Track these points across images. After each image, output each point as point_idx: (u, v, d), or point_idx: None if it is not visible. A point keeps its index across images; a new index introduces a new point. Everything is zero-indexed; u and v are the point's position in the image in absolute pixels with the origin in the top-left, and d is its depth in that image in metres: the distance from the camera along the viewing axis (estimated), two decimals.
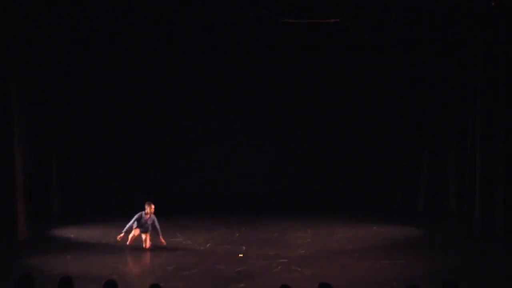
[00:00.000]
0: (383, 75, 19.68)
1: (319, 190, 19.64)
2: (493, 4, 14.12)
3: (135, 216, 14.03)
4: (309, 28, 16.32)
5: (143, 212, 14.06)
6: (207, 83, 19.79)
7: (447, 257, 13.00)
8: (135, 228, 14.03)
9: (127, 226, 13.99)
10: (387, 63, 19.48)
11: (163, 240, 14.02)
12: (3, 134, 14.87)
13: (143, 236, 14.11)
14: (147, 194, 19.24)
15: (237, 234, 15.73)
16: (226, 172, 19.58)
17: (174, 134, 19.76)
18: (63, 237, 15.52)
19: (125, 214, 18.32)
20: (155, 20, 16.72)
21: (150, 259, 12.91)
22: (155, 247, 14.01)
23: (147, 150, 19.71)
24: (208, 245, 14.48)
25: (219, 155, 19.51)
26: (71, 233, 15.95)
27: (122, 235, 13.98)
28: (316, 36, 17.66)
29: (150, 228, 14.05)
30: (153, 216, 14.02)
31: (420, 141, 19.07)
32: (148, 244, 14.07)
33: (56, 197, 18.92)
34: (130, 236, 14.08)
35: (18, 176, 14.96)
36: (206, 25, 17.06)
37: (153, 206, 14.08)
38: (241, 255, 13.26)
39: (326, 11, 15.41)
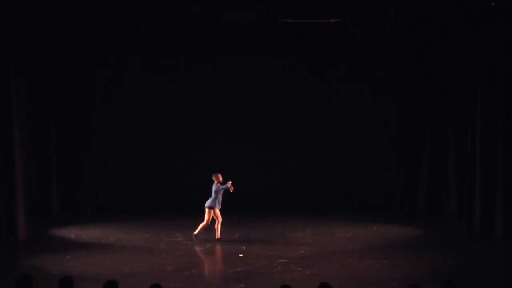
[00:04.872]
0: (383, 75, 19.69)
1: (319, 190, 19.65)
2: (493, 4, 14.11)
3: (218, 189, 14.53)
4: (309, 28, 16.32)
5: (215, 184, 14.57)
6: (206, 83, 19.81)
7: (447, 257, 12.98)
8: (214, 208, 14.54)
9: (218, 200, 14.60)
10: (387, 63, 19.49)
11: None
12: (3, 134, 14.86)
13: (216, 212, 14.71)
14: (145, 195, 19.53)
15: (237, 234, 15.73)
16: (226, 172, 19.54)
17: (174, 134, 19.77)
18: (63, 237, 15.52)
19: (125, 214, 18.49)
20: (155, 20, 16.73)
21: (150, 259, 12.90)
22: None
23: (147, 150, 19.72)
24: (208, 245, 14.48)
25: (219, 154, 19.49)
26: (71, 233, 15.95)
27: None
28: (316, 36, 17.67)
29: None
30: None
31: (420, 141, 19.07)
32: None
33: (56, 197, 18.92)
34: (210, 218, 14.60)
35: (18, 176, 14.95)
36: (206, 25, 17.07)
37: (220, 175, 14.66)
38: (241, 255, 13.25)
39: (326, 11, 15.41)
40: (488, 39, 14.59)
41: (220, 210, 14.66)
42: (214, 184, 14.56)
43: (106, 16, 16.39)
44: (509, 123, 14.59)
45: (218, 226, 14.69)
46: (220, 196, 14.56)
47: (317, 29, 16.20)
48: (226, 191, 14.57)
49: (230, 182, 14.50)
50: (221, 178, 14.61)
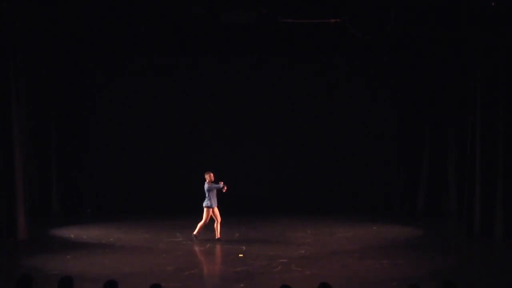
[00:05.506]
0: (383, 75, 19.68)
1: (319, 190, 19.65)
2: (493, 4, 14.11)
3: (210, 188, 14.51)
4: (309, 28, 16.32)
5: (207, 182, 14.57)
6: (206, 83, 19.81)
7: (447, 257, 12.99)
8: (212, 207, 14.54)
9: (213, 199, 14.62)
10: (387, 63, 19.48)
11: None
12: (3, 134, 14.86)
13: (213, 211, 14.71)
14: (144, 195, 19.54)
15: (237, 234, 15.74)
16: (226, 172, 19.54)
17: (174, 134, 19.78)
18: (63, 237, 15.52)
19: (125, 214, 18.50)
20: (155, 20, 16.73)
21: (150, 259, 12.90)
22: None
23: (147, 150, 19.72)
24: (208, 245, 14.48)
25: (219, 154, 19.50)
26: (71, 233, 15.95)
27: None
28: (316, 36, 17.67)
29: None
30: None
31: (420, 141, 19.06)
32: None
33: (56, 197, 18.93)
34: (207, 217, 14.61)
35: (18, 176, 14.96)
36: (206, 25, 17.07)
37: (212, 174, 14.64)
38: (241, 255, 13.25)
39: (326, 11, 15.41)
40: (488, 39, 14.59)
41: (218, 209, 14.66)
42: (206, 182, 14.58)
43: (106, 16, 16.38)
44: (509, 123, 14.59)
45: (217, 226, 14.70)
46: (213, 195, 14.56)
47: (317, 29, 16.20)
48: (219, 190, 14.59)
49: (221, 182, 14.51)
50: (212, 177, 14.61)
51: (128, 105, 19.69)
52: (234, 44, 18.74)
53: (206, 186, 14.56)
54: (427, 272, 11.63)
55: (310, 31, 16.90)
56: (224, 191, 14.57)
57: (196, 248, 14.27)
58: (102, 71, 19.52)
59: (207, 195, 14.54)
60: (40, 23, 16.34)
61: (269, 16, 15.33)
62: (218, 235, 14.69)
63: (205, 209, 14.55)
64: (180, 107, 19.86)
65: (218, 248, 14.33)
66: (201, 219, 14.62)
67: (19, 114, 15.19)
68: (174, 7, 16.05)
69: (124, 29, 17.35)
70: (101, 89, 19.64)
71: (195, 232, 14.79)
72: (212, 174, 14.65)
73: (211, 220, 14.65)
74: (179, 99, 19.82)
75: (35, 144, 18.32)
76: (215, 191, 14.60)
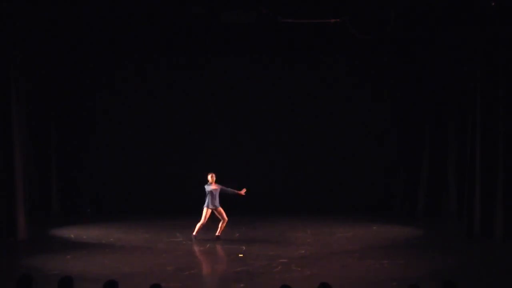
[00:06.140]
0: (383, 75, 19.68)
1: (319, 190, 19.65)
2: (493, 4, 14.11)
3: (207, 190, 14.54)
4: (309, 28, 16.32)
5: (211, 184, 14.56)
6: (206, 83, 19.81)
7: (447, 257, 12.98)
8: (209, 207, 14.54)
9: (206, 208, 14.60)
10: (387, 63, 19.48)
11: (242, 192, 14.79)
12: (3, 134, 14.86)
13: (215, 212, 14.68)
14: (144, 195, 19.53)
15: (237, 234, 15.74)
16: (226, 172, 19.53)
17: (174, 134, 19.78)
18: (63, 237, 15.52)
19: (125, 214, 18.50)
20: (155, 20, 16.73)
21: (150, 259, 12.90)
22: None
23: (147, 150, 19.72)
24: (208, 245, 14.48)
25: (219, 154, 19.50)
26: (71, 233, 15.95)
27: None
28: (316, 36, 17.67)
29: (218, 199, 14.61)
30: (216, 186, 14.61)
31: (420, 141, 19.06)
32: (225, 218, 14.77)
33: (56, 197, 18.93)
34: (204, 217, 14.60)
35: (18, 176, 14.96)
36: (206, 25, 17.08)
37: (214, 175, 14.64)
38: (241, 255, 13.25)
39: (326, 11, 15.41)
40: (488, 39, 14.59)
41: (223, 209, 14.66)
42: (209, 183, 14.61)
43: (106, 16, 16.38)
44: (509, 123, 14.59)
45: (222, 225, 14.75)
46: (212, 195, 14.53)
47: (317, 29, 16.20)
48: (223, 192, 14.64)
49: (244, 190, 14.83)
50: (211, 178, 14.61)
51: (128, 105, 19.69)
52: (234, 44, 18.74)
53: (209, 187, 14.53)
54: (427, 272, 11.62)
55: (310, 31, 16.90)
56: (242, 193, 14.76)
57: (196, 248, 14.27)
58: (102, 71, 19.52)
59: (206, 195, 14.55)
60: (40, 23, 16.34)
61: (269, 16, 15.33)
62: (218, 232, 14.71)
63: (204, 209, 14.56)
64: (180, 107, 19.86)
65: (218, 248, 14.33)
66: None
67: (19, 114, 15.19)
68: (174, 7, 16.04)
69: (124, 29, 17.35)
70: (101, 89, 19.64)
71: (194, 233, 14.80)
72: (212, 175, 14.65)
73: (214, 220, 14.65)
74: (179, 99, 19.82)
75: (35, 144, 18.33)
76: (212, 192, 14.53)
